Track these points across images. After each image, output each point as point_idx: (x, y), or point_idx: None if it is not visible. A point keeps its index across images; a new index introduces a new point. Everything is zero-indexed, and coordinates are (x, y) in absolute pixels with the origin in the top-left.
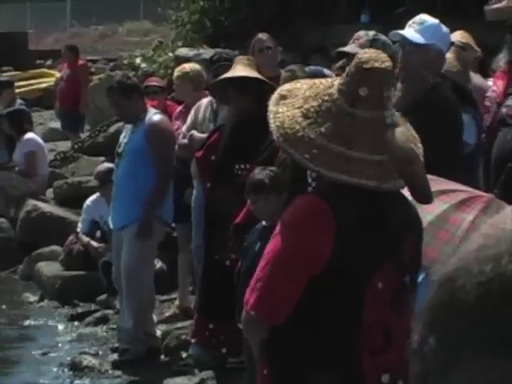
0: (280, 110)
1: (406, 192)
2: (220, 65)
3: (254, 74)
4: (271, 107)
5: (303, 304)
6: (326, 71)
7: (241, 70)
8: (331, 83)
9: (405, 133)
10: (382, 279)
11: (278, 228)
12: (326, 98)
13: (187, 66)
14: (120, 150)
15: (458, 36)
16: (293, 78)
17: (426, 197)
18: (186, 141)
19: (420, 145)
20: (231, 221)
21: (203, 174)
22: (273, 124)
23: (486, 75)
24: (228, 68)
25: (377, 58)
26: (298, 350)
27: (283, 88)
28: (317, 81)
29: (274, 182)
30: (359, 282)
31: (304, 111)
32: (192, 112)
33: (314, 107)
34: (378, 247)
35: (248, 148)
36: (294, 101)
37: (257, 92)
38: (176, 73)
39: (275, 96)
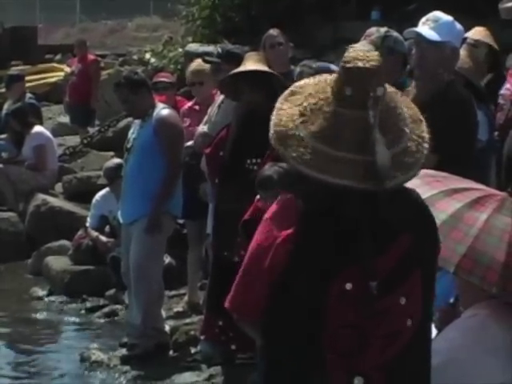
0: (283, 107)
1: (421, 191)
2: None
3: (265, 68)
4: (277, 103)
5: (270, 300)
6: (333, 67)
7: (251, 65)
8: (330, 81)
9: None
10: (350, 280)
11: None
12: (322, 95)
13: None
14: (129, 145)
15: (475, 34)
16: (308, 73)
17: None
18: (205, 129)
19: (426, 145)
20: (241, 217)
21: (212, 170)
22: (272, 121)
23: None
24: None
25: (361, 57)
26: (276, 346)
27: (297, 84)
28: (323, 78)
29: (284, 179)
30: (322, 281)
31: (302, 109)
32: (210, 108)
33: (310, 105)
34: (346, 248)
35: (259, 142)
36: (299, 98)
37: (268, 87)
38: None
39: (286, 92)
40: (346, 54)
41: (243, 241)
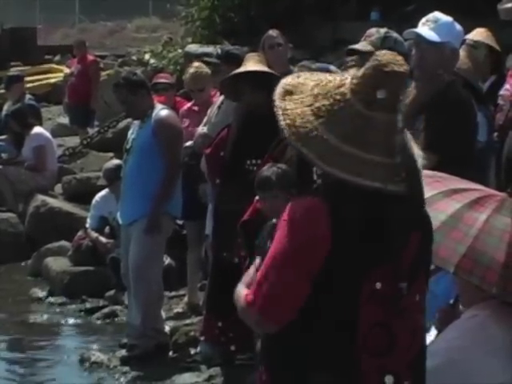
0: (288, 107)
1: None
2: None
3: (266, 69)
4: (278, 103)
5: (308, 300)
6: (332, 67)
7: (252, 66)
8: (341, 82)
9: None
10: (381, 280)
11: (278, 228)
12: (338, 97)
13: None
14: (128, 146)
15: (476, 35)
16: None
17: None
18: (205, 130)
19: (418, 150)
20: (241, 218)
21: (212, 170)
22: (283, 121)
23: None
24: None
25: (395, 61)
26: (294, 347)
27: (287, 82)
28: (323, 77)
29: (282, 179)
30: (356, 281)
31: (315, 110)
32: (209, 109)
33: (325, 106)
34: (378, 248)
35: (259, 143)
36: (302, 97)
37: (269, 87)
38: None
39: (280, 90)
40: (379, 58)
41: (242, 241)
